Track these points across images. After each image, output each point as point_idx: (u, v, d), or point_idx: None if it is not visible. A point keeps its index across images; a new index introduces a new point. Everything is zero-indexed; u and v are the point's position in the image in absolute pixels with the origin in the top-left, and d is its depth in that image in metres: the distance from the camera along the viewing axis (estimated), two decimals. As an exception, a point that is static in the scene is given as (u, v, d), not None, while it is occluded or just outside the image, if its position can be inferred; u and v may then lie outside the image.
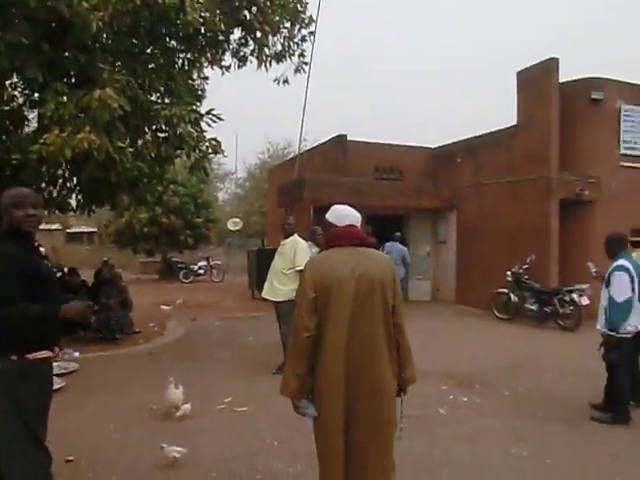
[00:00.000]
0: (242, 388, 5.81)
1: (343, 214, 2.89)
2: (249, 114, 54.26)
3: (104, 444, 4.25)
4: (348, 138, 13.59)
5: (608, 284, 4.94)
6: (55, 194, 8.03)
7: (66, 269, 10.17)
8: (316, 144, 16.62)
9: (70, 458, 3.92)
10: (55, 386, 5.68)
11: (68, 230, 33.55)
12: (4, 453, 2.79)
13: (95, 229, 31.73)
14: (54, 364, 6.50)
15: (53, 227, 29.35)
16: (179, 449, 3.80)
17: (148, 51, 7.14)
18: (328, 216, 2.92)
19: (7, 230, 2.90)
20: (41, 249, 3.02)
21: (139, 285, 17.79)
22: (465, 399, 5.57)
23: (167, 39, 7.62)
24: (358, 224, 2.89)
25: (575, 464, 3.98)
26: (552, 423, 4.87)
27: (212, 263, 21.21)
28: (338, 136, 13.75)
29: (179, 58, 8.09)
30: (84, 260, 21.90)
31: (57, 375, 6.07)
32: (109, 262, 10.60)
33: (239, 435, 4.47)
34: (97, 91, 5.30)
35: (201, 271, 20.78)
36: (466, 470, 3.84)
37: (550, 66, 10.96)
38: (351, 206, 2.96)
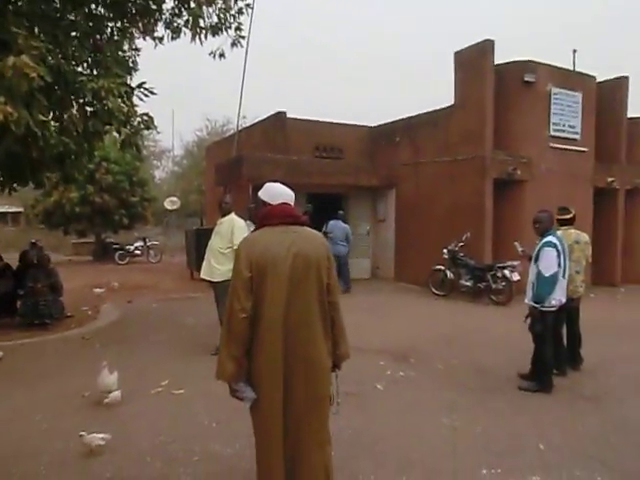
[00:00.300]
0: (179, 370, 5.69)
1: (276, 192, 2.85)
2: (187, 90, 52.70)
3: (31, 435, 4.04)
4: (288, 115, 13.41)
5: (537, 259, 5.17)
6: (-29, 171, 7.45)
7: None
8: (255, 121, 16.31)
9: (-9, 453, 3.72)
10: (-23, 376, 5.39)
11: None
12: None
13: (21, 209, 29.98)
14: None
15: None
16: (101, 435, 3.67)
17: (71, 17, 6.64)
18: (261, 194, 2.87)
19: None
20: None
21: (72, 267, 17.04)
22: (402, 374, 5.71)
23: (92, 5, 7.15)
24: (292, 202, 2.86)
25: (503, 431, 4.17)
26: (483, 394, 5.09)
27: (149, 243, 20.56)
28: (277, 113, 13.53)
29: (107, 27, 7.62)
30: (10, 242, 20.73)
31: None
32: (38, 244, 10.00)
33: (176, 418, 4.38)
34: (11, 58, 4.86)
35: (137, 252, 20.09)
36: (401, 443, 3.94)
37: (486, 47, 11.20)
38: (289, 185, 2.92)
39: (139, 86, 6.79)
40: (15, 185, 7.78)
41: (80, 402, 4.72)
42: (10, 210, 31.75)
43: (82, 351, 6.63)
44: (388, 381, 5.44)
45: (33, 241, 10.13)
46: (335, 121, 14.26)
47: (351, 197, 14.00)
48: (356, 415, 4.41)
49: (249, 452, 3.32)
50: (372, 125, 14.89)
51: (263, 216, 2.78)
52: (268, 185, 2.91)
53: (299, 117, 13.57)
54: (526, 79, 11.51)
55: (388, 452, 3.78)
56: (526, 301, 5.30)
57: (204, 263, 6.61)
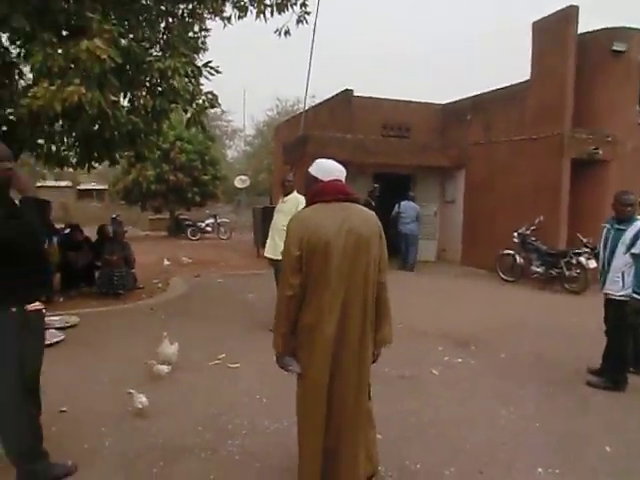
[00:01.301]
0: (237, 345, 5.84)
1: (328, 168, 2.80)
2: (260, 70, 53.26)
3: (97, 396, 4.30)
4: (355, 94, 13.22)
5: (632, 245, 4.70)
6: (54, 150, 7.93)
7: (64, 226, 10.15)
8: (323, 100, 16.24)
9: (64, 409, 3.99)
10: (55, 339, 5.81)
11: (79, 187, 33.66)
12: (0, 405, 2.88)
13: (106, 186, 31.79)
14: (56, 318, 6.62)
15: (63, 184, 29.43)
16: (144, 399, 3.87)
17: (143, 2, 6.84)
18: (311, 170, 2.83)
19: None
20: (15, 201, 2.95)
21: (148, 242, 17.90)
22: (460, 360, 5.53)
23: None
24: (343, 179, 2.80)
25: (564, 429, 3.93)
26: (546, 387, 4.82)
27: (219, 221, 21.22)
28: (344, 91, 13.38)
29: (178, 9, 7.78)
30: (94, 216, 22.03)
31: (57, 329, 6.17)
32: (118, 219, 10.63)
33: (229, 391, 4.50)
34: (85, 42, 5.10)
35: (208, 228, 20.83)
36: (453, 430, 3.82)
37: (569, 14, 10.41)
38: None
39: (205, 65, 6.92)
40: (93, 163, 8.21)
41: (142, 369, 4.93)
42: (96, 187, 33.79)
43: (149, 321, 6.95)
44: (445, 367, 5.30)
45: (114, 216, 10.78)
46: (403, 99, 13.90)
47: (419, 177, 13.67)
48: (408, 399, 4.34)
49: (295, 430, 3.35)
50: (442, 103, 14.38)
51: (314, 193, 2.75)
52: (319, 161, 2.87)
53: (366, 95, 13.34)
54: (615, 48, 10.59)
55: (439, 439, 3.68)
56: (609, 291, 4.90)
57: (268, 241, 6.70)
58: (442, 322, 7.17)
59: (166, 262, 10.86)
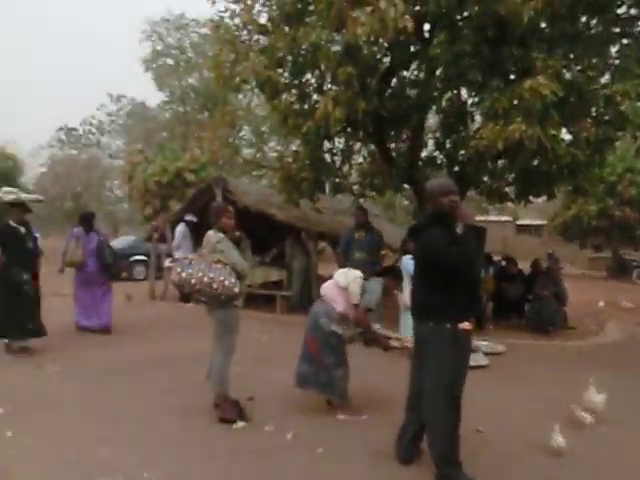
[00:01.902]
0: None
1: None
2: None
3: (511, 425, 4.34)
4: None
5: None
6: (495, 186, 8.54)
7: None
8: None
9: (480, 429, 4.19)
10: (482, 362, 6.22)
11: (518, 222, 34.83)
12: (429, 405, 3.34)
13: (544, 222, 31.80)
14: (485, 343, 7.11)
15: (503, 219, 31.09)
16: (561, 440, 3.67)
17: (591, 32, 6.64)
18: None
19: (434, 216, 3.37)
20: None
21: (583, 281, 16.93)
22: None
23: (620, 10, 6.90)
24: None
25: None
26: None
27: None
28: None
29: (636, 26, 7.17)
30: (530, 251, 22.36)
31: (485, 354, 6.58)
32: (554, 255, 10.58)
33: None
34: (528, 81, 5.34)
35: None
36: None
37: None
38: None
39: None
40: (529, 197, 8.42)
41: (561, 410, 4.58)
42: (533, 223, 34.29)
43: (575, 362, 6.55)
44: None
45: (550, 251, 10.74)
46: None
47: None
48: None
49: None
50: None
51: None
52: None
53: None
54: None
55: None
56: None
57: None
58: None
59: (601, 304, 9.99)
